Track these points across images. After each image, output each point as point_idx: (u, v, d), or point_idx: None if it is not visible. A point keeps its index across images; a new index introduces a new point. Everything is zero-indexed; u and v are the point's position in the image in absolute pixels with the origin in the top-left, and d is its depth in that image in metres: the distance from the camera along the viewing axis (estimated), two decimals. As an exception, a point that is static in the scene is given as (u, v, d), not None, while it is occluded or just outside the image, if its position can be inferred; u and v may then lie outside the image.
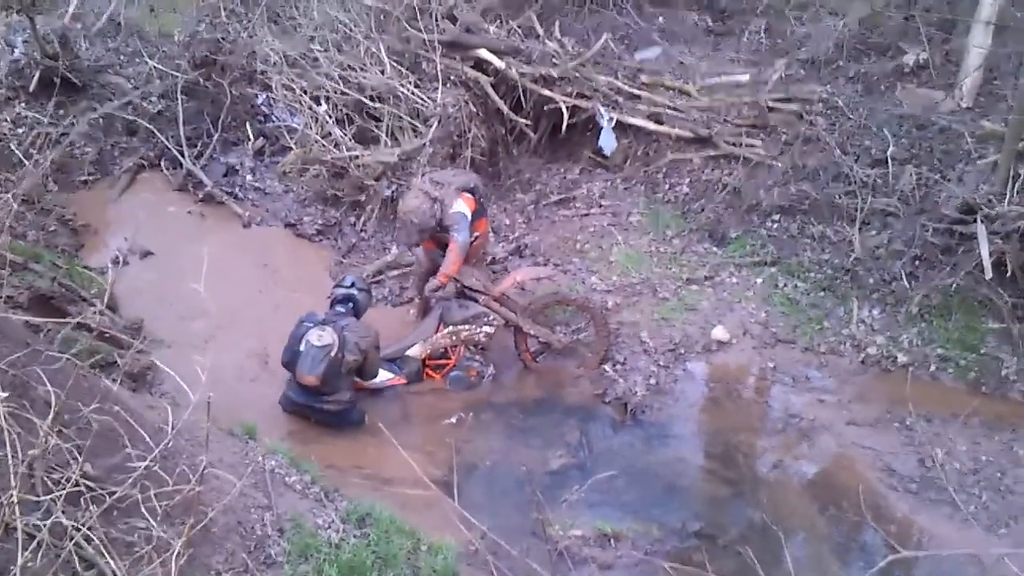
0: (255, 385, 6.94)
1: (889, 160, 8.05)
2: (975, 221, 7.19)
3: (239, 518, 4.41)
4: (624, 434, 6.72)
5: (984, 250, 7.02)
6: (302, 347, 6.29)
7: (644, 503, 5.99)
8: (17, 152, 8.13)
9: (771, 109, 9.12)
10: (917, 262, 7.57)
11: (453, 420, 6.66)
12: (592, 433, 6.75)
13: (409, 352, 6.95)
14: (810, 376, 7.12)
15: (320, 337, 6.24)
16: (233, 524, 4.30)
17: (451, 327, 6.99)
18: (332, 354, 6.23)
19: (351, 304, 6.63)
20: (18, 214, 7.52)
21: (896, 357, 7.12)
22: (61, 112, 9.49)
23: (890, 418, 6.63)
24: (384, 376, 6.81)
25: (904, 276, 7.51)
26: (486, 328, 7.05)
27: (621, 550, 5.46)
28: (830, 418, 6.68)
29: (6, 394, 2.70)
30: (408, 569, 4.73)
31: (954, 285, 7.22)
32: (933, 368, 7.06)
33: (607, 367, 7.20)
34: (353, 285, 6.72)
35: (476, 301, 7.07)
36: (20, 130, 9.17)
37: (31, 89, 9.60)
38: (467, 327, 7.00)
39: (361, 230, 8.80)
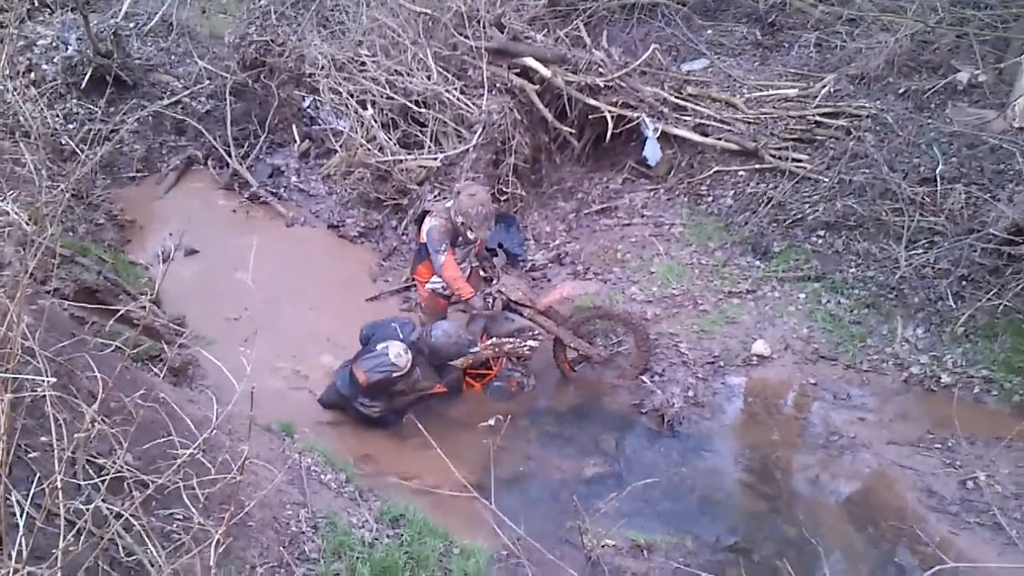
0: (293, 383, 7.00)
1: (938, 178, 7.92)
2: (1024, 242, 7.08)
3: (275, 514, 4.45)
4: (660, 445, 6.66)
5: (1033, 271, 6.90)
6: (379, 348, 6.35)
7: (679, 515, 5.95)
8: (72, 144, 8.28)
9: (819, 124, 9.03)
10: (964, 282, 7.44)
11: (491, 422, 6.64)
12: (628, 443, 6.71)
13: (451, 361, 6.93)
14: (851, 394, 7.01)
15: (399, 356, 6.31)
16: (269, 519, 4.33)
17: (495, 339, 6.94)
18: (393, 375, 6.28)
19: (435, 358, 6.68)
20: (67, 208, 7.66)
21: (940, 377, 7.00)
22: (111, 109, 9.65)
23: (932, 439, 6.51)
24: (424, 383, 6.83)
25: (950, 296, 7.38)
26: (531, 342, 6.97)
27: (654, 561, 5.41)
28: (870, 436, 6.58)
29: (53, 379, 2.74)
30: (440, 571, 4.74)
31: (1001, 306, 7.07)
32: (977, 390, 6.92)
33: (645, 378, 7.16)
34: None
35: (521, 315, 7.01)
36: (71, 125, 9.34)
37: (83, 86, 9.79)
38: (511, 340, 6.93)
39: (403, 233, 8.86)
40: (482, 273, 7.25)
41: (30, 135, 6.33)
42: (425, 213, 6.88)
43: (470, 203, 6.51)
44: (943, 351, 7.19)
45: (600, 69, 9.16)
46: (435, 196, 8.48)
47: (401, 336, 6.53)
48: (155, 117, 10.05)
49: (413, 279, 7.25)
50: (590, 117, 9.29)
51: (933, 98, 9.23)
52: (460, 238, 6.71)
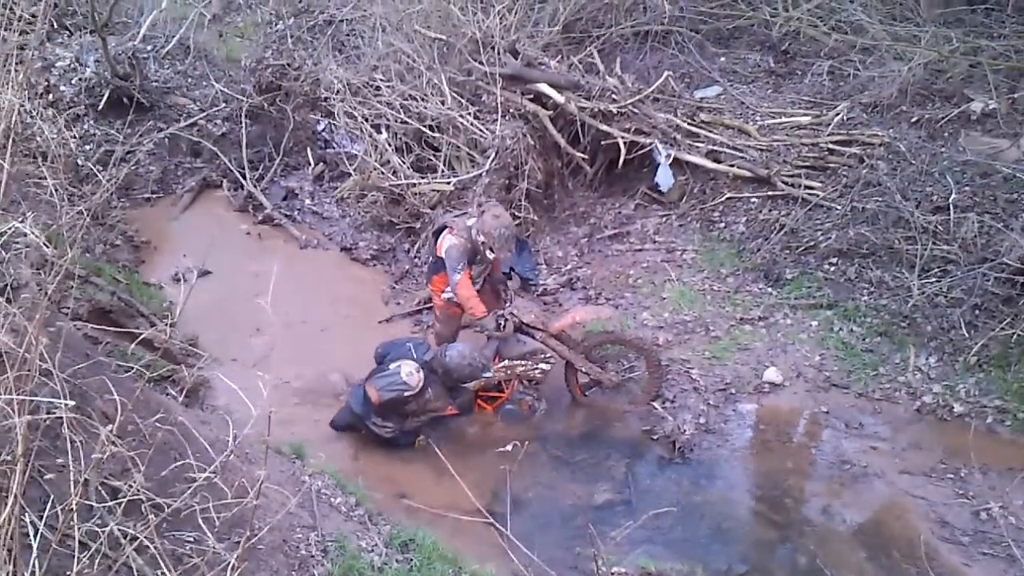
0: (303, 405, 7.01)
1: (951, 207, 7.90)
2: (1038, 272, 7.05)
3: (284, 537, 4.44)
4: (671, 472, 6.64)
5: (1047, 301, 6.88)
6: (391, 367, 6.36)
7: (689, 543, 5.91)
8: (89, 165, 8.35)
9: (831, 151, 9.04)
10: (977, 311, 7.40)
11: (507, 448, 6.61)
12: (639, 469, 6.68)
13: (465, 383, 6.85)
14: (863, 422, 6.97)
15: (410, 375, 6.34)
16: (278, 542, 4.33)
17: (507, 361, 6.93)
18: (404, 394, 6.29)
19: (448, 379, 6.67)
20: (85, 229, 7.71)
21: (952, 407, 6.95)
22: (128, 131, 9.73)
23: (944, 469, 6.45)
24: (435, 405, 6.82)
25: (963, 325, 7.34)
26: (543, 365, 6.96)
27: (664, 590, 5.39)
28: (882, 466, 6.53)
29: (72, 403, 2.75)
30: (450, 597, 4.73)
31: (1015, 336, 7.03)
32: (990, 419, 6.86)
33: (656, 404, 7.13)
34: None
35: (533, 337, 6.99)
36: (88, 147, 9.42)
37: (100, 107, 9.87)
38: (523, 363, 6.92)
39: (415, 257, 8.89)
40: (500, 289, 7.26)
41: (48, 156, 6.38)
42: (443, 227, 6.92)
43: (494, 224, 6.55)
44: (956, 380, 7.14)
45: (613, 95, 9.20)
46: (450, 213, 8.48)
47: (415, 356, 6.55)
48: (171, 139, 10.13)
49: (428, 288, 7.27)
50: (603, 143, 9.32)
51: (946, 127, 9.24)
52: (478, 256, 6.75)
